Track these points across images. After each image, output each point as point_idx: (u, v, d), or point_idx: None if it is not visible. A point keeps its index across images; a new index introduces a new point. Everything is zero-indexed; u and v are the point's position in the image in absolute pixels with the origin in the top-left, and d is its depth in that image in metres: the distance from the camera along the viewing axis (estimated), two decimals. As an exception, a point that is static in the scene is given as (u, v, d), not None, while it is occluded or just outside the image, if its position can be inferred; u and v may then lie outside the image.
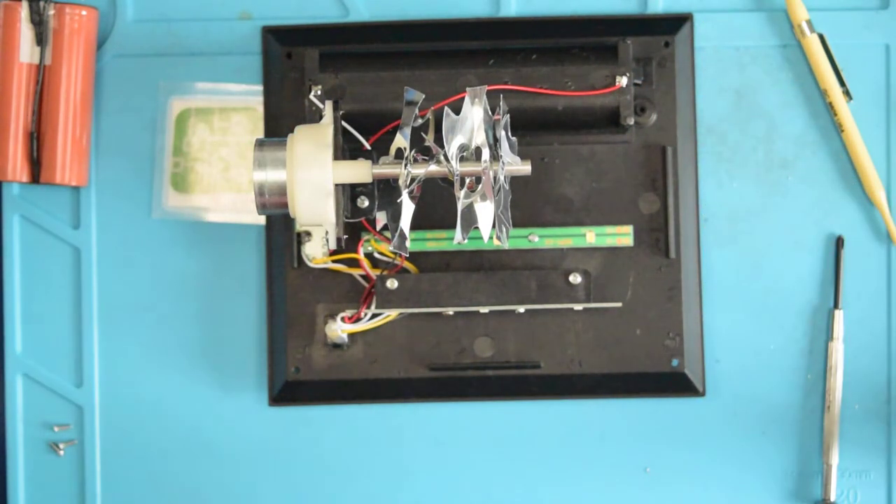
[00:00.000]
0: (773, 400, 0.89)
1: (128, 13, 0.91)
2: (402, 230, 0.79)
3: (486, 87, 0.80)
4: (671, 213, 0.88)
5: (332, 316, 0.87)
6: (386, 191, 0.82)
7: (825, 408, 0.89)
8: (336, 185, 0.80)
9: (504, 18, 0.90)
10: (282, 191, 0.80)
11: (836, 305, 0.89)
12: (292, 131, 0.81)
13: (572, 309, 0.88)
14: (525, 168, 0.81)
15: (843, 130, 0.89)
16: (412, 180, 0.79)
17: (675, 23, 0.89)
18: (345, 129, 0.83)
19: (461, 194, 0.80)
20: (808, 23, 0.89)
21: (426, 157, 0.80)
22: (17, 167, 0.88)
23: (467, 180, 0.80)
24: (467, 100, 0.79)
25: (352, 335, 0.89)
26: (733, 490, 0.89)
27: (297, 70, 0.89)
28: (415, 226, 0.80)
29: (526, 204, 0.88)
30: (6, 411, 0.90)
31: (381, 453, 0.90)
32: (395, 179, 0.80)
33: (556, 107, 0.85)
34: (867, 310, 0.89)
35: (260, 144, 0.81)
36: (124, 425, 0.90)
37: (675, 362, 0.88)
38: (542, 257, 0.89)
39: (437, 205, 0.86)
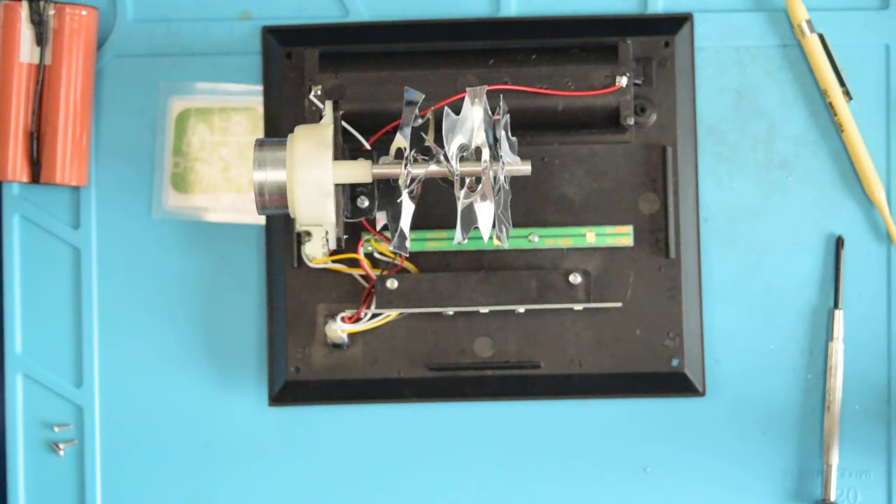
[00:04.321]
0: (773, 400, 0.89)
1: (128, 13, 0.91)
2: (402, 230, 0.79)
3: (486, 87, 0.80)
4: (671, 213, 0.88)
5: (332, 316, 0.87)
6: (386, 191, 0.82)
7: (825, 408, 0.89)
8: (336, 185, 0.80)
9: (504, 18, 0.90)
10: (282, 191, 0.80)
11: (836, 305, 0.89)
12: (292, 131, 0.81)
13: (572, 309, 0.88)
14: (525, 168, 0.81)
15: (843, 130, 0.89)
16: (412, 180, 0.79)
17: (675, 23, 0.89)
18: (345, 129, 0.83)
19: (461, 194, 0.80)
20: (808, 23, 0.89)
21: (426, 157, 0.80)
22: (17, 167, 0.88)
23: (467, 180, 0.80)
24: (467, 100, 0.79)
25: (352, 335, 0.89)
26: (733, 490, 0.89)
27: (297, 70, 0.89)
28: (415, 226, 0.80)
29: (526, 204, 0.88)
30: (6, 411, 0.90)
31: (381, 453, 0.90)
32: (395, 179, 0.80)
33: (556, 107, 0.85)
34: (867, 310, 0.89)
35: (260, 144, 0.81)
36: (124, 425, 0.90)
37: (675, 362, 0.88)
38: (542, 257, 0.89)
39: (437, 205, 0.86)
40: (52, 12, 0.88)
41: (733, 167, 0.90)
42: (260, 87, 0.90)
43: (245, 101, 0.90)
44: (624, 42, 0.85)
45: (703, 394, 0.89)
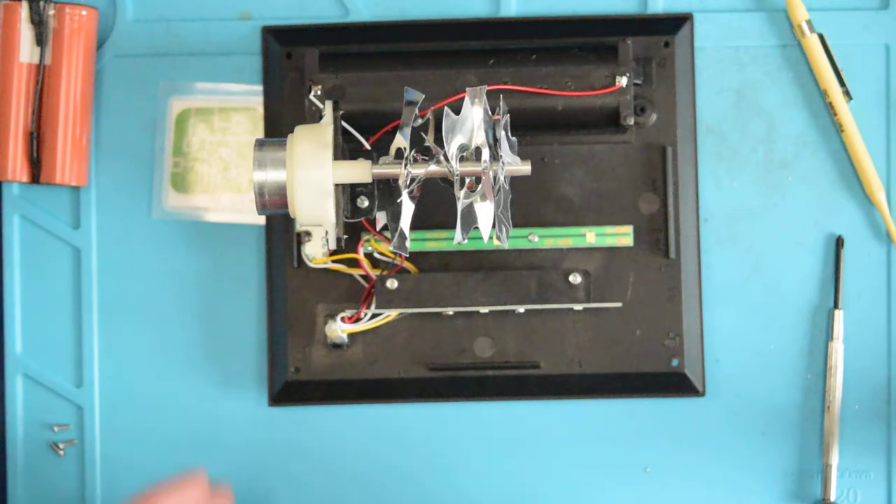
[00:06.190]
0: (773, 400, 0.89)
1: (128, 13, 0.91)
2: (402, 230, 0.79)
3: (486, 87, 0.80)
4: (671, 213, 0.88)
5: (332, 316, 0.87)
6: (386, 191, 0.82)
7: (825, 408, 0.89)
8: (336, 185, 0.80)
9: (504, 18, 0.90)
10: (282, 191, 0.80)
11: (836, 305, 0.89)
12: (292, 131, 0.81)
13: (572, 309, 0.88)
14: (525, 168, 0.81)
15: (843, 130, 0.89)
16: (412, 180, 0.79)
17: (675, 23, 0.89)
18: (345, 129, 0.83)
19: (461, 194, 0.80)
20: (808, 23, 0.89)
21: (426, 157, 0.80)
22: (17, 167, 0.88)
23: (467, 180, 0.80)
24: (467, 100, 0.79)
25: (352, 335, 0.89)
26: (733, 490, 0.89)
27: (297, 70, 0.89)
28: (415, 226, 0.80)
29: (526, 204, 0.88)
30: (6, 411, 0.90)
31: (381, 453, 0.90)
32: (395, 179, 0.80)
33: (556, 107, 0.85)
34: (867, 310, 0.89)
35: (260, 144, 0.81)
36: (124, 425, 0.90)
37: (675, 362, 0.88)
38: (542, 257, 0.89)
39: (437, 205, 0.86)
40: (52, 12, 0.88)
41: (733, 167, 0.90)
42: (260, 87, 0.90)
43: (245, 101, 0.90)
44: (624, 42, 0.85)
45: (703, 394, 0.89)
